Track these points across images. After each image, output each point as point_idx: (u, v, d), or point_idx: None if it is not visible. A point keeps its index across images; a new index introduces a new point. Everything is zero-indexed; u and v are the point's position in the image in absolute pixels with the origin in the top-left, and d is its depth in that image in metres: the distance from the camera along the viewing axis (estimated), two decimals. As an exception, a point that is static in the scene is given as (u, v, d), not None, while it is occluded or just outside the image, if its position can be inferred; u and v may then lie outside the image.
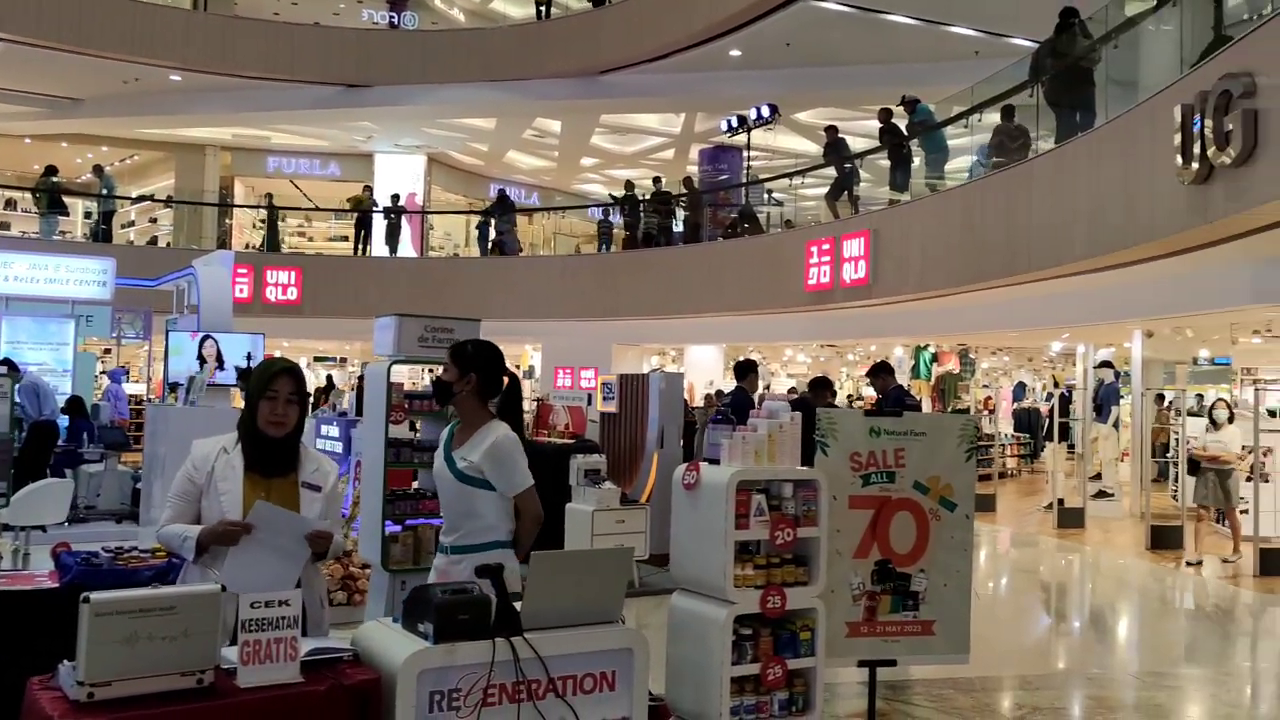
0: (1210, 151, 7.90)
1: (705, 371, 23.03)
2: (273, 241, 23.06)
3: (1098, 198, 10.22)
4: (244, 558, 3.42)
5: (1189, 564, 11.06)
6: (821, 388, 9.33)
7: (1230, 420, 11.71)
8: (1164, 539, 12.16)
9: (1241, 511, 12.96)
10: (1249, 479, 12.95)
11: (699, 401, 18.58)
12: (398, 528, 6.29)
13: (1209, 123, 7.88)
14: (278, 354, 10.37)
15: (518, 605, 3.47)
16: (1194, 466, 11.61)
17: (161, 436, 9.42)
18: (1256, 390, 11.93)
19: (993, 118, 14.50)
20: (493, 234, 22.31)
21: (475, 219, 24.65)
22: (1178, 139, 8.38)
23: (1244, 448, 13.20)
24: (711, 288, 18.40)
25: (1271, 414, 13.28)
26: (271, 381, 3.57)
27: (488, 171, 30.39)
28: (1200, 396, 16.27)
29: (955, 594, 4.96)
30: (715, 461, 4.43)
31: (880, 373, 9.29)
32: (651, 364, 26.78)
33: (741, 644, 4.23)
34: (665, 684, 4.40)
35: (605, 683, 3.63)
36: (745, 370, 9.47)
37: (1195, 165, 8.15)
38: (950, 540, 4.94)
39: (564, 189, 31.73)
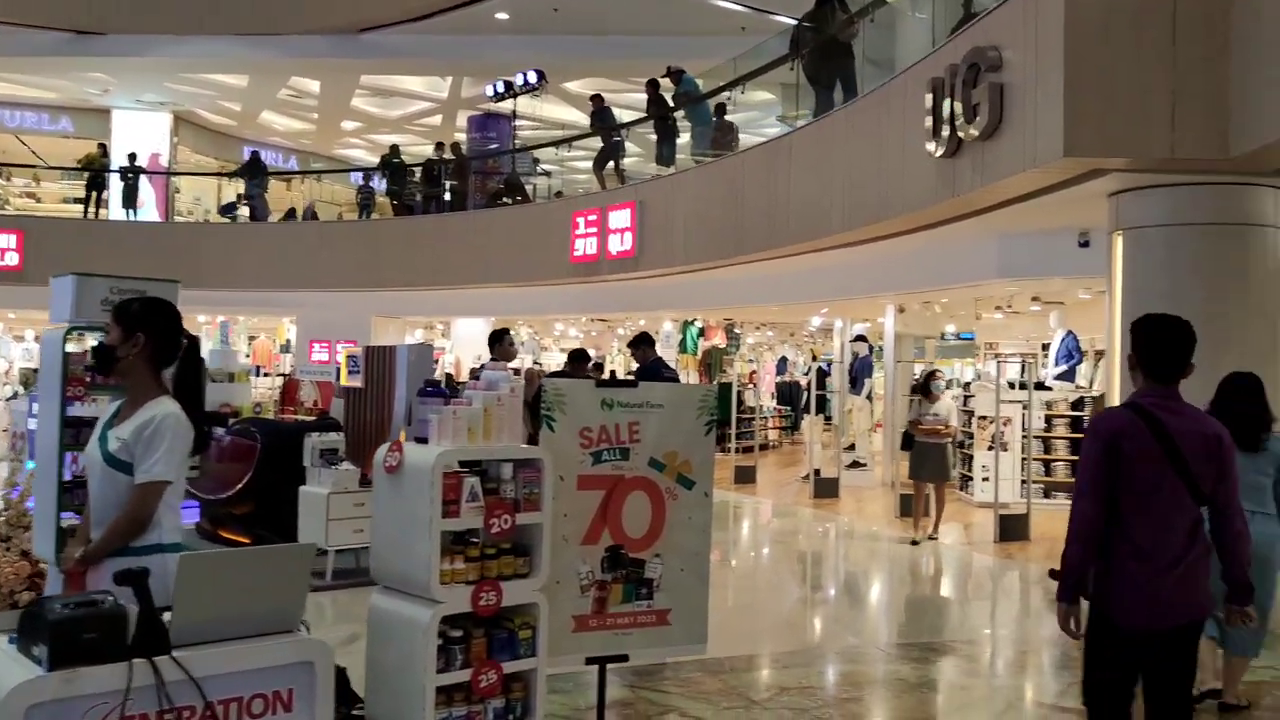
0: (959, 125, 7.94)
1: (474, 345, 22.35)
2: (-9, 201, 20.78)
3: (854, 172, 10.25)
4: None
5: (914, 542, 10.48)
6: (580, 360, 8.91)
7: (945, 389, 11.47)
8: (912, 507, 12.46)
9: (984, 479, 13.54)
10: (990, 448, 13.53)
11: (465, 376, 17.94)
12: (78, 519, 5.42)
13: (958, 97, 7.92)
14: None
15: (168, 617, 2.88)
16: (908, 440, 10.96)
17: None
18: (999, 363, 12.35)
19: (758, 95, 14.58)
20: (241, 200, 20.84)
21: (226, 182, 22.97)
22: (929, 113, 8.41)
23: (984, 416, 13.79)
24: (477, 259, 17.74)
25: (1012, 386, 13.89)
26: None
27: (241, 133, 28.45)
28: (933, 371, 16.96)
29: (693, 579, 4.59)
30: (424, 440, 3.87)
31: (640, 344, 8.96)
32: (415, 337, 25.88)
33: (449, 648, 3.70)
34: (365, 694, 3.85)
35: (280, 703, 3.10)
36: (497, 338, 8.93)
37: (945, 139, 8.18)
38: (688, 521, 4.55)
39: (325, 153, 30.15)
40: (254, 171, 21.12)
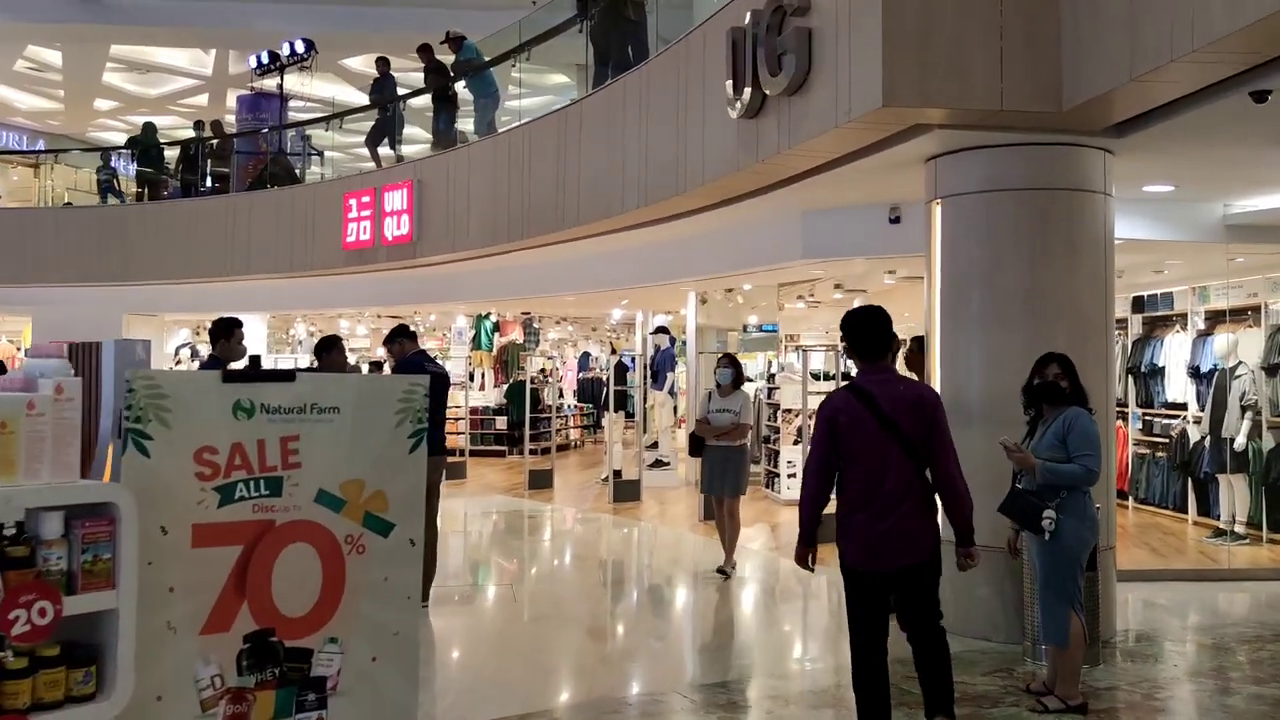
0: (762, 78, 7.00)
1: (252, 344, 20.30)
2: None
3: (649, 141, 9.24)
4: None
5: (722, 572, 8.57)
6: (329, 349, 7.49)
7: (738, 384, 8.99)
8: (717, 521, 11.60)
9: (790, 475, 12.86)
10: (795, 442, 12.88)
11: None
12: None
13: (761, 45, 6.98)
14: None
15: None
16: (697, 445, 8.83)
17: None
18: (802, 353, 11.59)
19: (552, 78, 13.40)
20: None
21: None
22: (728, 69, 7.46)
23: (789, 410, 13.13)
24: (239, 247, 15.90)
25: (816, 377, 13.28)
26: None
27: (-30, 110, 25.28)
28: (724, 355, 16.29)
29: (392, 674, 3.05)
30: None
31: (397, 337, 7.65)
32: (181, 338, 23.52)
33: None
34: None
35: None
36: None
37: (747, 95, 7.23)
38: (382, 584, 3.04)
39: (78, 136, 27.17)
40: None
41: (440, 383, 7.40)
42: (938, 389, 6.71)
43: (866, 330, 4.41)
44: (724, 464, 8.63)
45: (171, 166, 18.33)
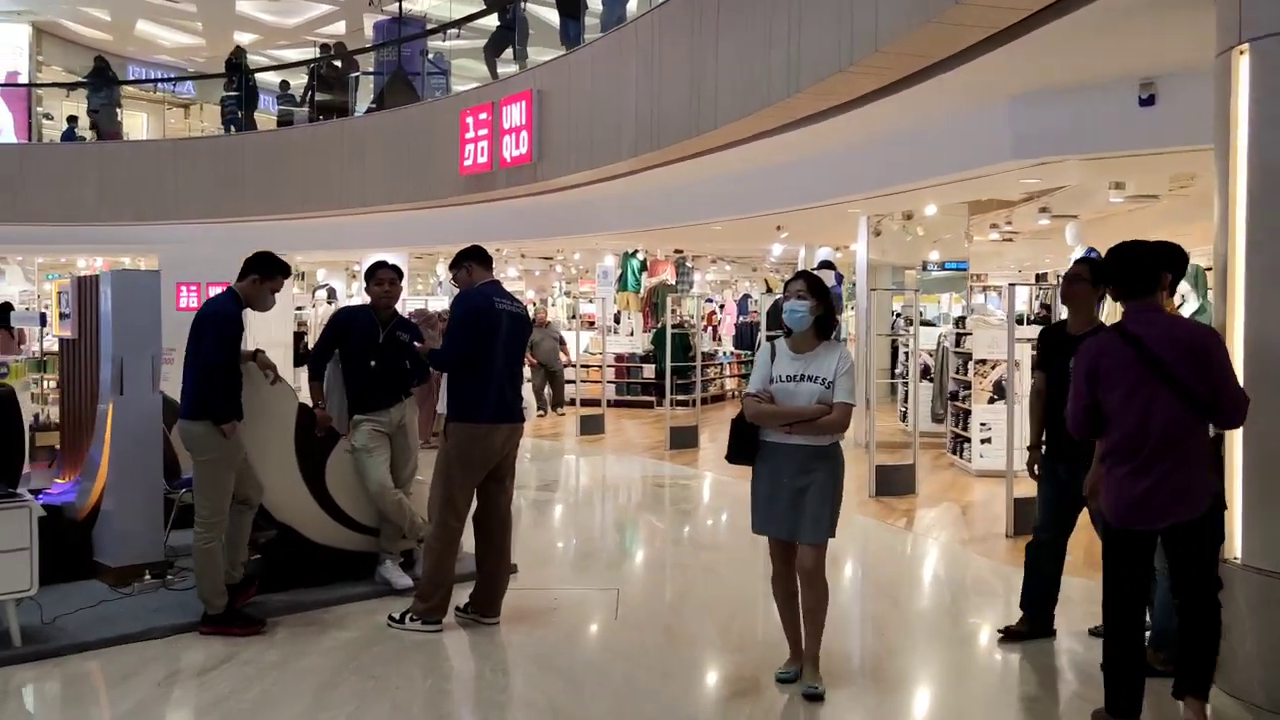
0: None
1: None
2: None
3: (801, 5, 6.97)
4: None
5: (812, 693, 4.36)
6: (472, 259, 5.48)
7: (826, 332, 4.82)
8: (892, 482, 9.36)
9: (984, 440, 10.48)
10: (991, 400, 10.47)
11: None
12: None
13: None
14: None
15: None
16: (744, 441, 4.47)
17: None
18: (1010, 289, 8.96)
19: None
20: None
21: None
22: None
23: (983, 360, 10.71)
24: (352, 177, 14.38)
25: (1020, 321, 10.82)
26: None
27: (119, 49, 24.64)
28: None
29: None
30: None
31: (466, 260, 5.52)
32: (319, 279, 22.46)
33: None
34: None
35: None
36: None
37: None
38: None
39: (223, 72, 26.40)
40: (100, 80, 17.52)
41: (517, 325, 5.43)
42: (1239, 333, 4.38)
43: (1133, 262, 3.96)
44: (798, 479, 4.35)
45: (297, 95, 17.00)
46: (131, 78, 24.20)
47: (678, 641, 5.23)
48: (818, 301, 4.46)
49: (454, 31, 14.59)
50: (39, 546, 5.64)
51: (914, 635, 5.43)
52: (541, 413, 16.03)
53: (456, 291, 5.56)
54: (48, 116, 20.70)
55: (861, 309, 12.89)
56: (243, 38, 23.97)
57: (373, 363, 5.97)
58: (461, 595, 5.45)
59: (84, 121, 18.41)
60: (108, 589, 5.73)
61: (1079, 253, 11.20)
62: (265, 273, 5.40)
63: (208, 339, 5.15)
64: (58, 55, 23.98)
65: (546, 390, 16.28)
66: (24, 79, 22.17)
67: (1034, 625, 5.16)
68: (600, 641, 5.26)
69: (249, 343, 5.59)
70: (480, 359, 5.16)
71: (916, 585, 6.65)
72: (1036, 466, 5.10)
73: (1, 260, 20.49)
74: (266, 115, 18.96)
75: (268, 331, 18.09)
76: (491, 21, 13.47)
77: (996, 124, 7.29)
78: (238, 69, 16.83)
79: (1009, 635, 5.19)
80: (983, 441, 10.45)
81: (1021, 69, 6.23)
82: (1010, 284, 8.60)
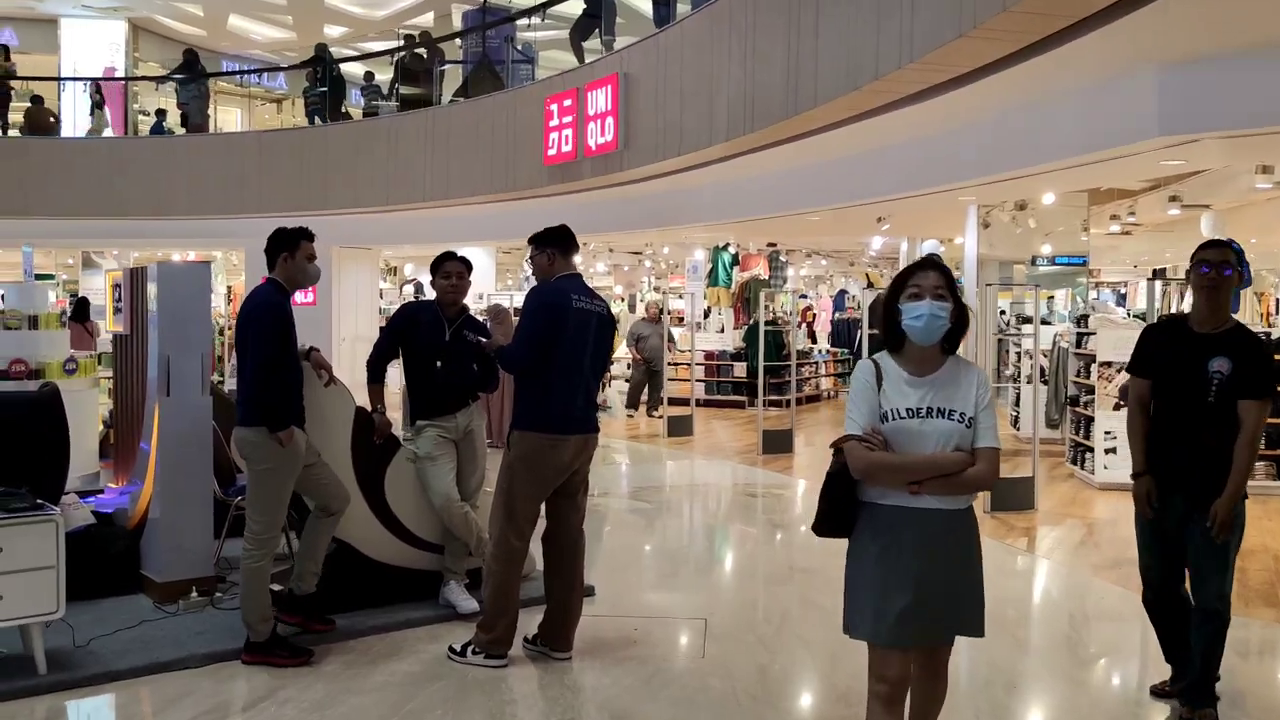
0: None
1: (475, 282, 18.54)
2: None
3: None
4: None
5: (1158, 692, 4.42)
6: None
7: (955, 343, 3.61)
8: (1009, 496, 8.54)
9: (1109, 450, 9.57)
10: (1117, 406, 9.56)
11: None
12: None
13: None
14: None
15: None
16: (842, 502, 3.26)
17: None
18: (1161, 283, 8.05)
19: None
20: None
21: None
22: None
23: (1108, 363, 9.79)
24: (436, 169, 13.98)
25: (1141, 318, 9.91)
26: None
27: (213, 44, 24.78)
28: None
29: None
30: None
31: (551, 243, 4.90)
32: (407, 272, 22.27)
33: None
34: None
35: None
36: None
37: None
38: None
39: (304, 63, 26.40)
40: (188, 74, 17.44)
41: (598, 325, 4.80)
42: None
43: None
44: (930, 559, 3.12)
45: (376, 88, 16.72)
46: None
47: (773, 689, 4.57)
48: (955, 310, 3.09)
49: (539, 20, 14.03)
50: (86, 557, 5.21)
51: (1050, 691, 4.68)
52: (631, 413, 15.25)
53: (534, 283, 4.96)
54: (144, 113, 20.80)
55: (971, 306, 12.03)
56: (332, 31, 23.90)
57: (438, 363, 5.41)
58: (532, 621, 4.86)
59: (173, 116, 18.41)
60: (151, 607, 5.29)
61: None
62: (289, 246, 4.87)
63: (251, 336, 4.65)
64: (154, 51, 24.16)
65: (644, 390, 15.26)
66: (121, 73, 22.36)
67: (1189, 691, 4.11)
68: (684, 688, 4.56)
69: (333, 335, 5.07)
70: (551, 360, 4.56)
71: (1051, 624, 5.88)
72: (1151, 496, 4.09)
73: (99, 254, 20.70)
74: (354, 109, 18.74)
75: (354, 326, 17.91)
76: (577, 6, 12.90)
77: (1142, 98, 6.43)
78: (321, 61, 16.53)
79: (1161, 694, 4.41)
80: (1107, 452, 9.55)
81: (1176, 30, 5.41)
82: (1151, 276, 7.71)
